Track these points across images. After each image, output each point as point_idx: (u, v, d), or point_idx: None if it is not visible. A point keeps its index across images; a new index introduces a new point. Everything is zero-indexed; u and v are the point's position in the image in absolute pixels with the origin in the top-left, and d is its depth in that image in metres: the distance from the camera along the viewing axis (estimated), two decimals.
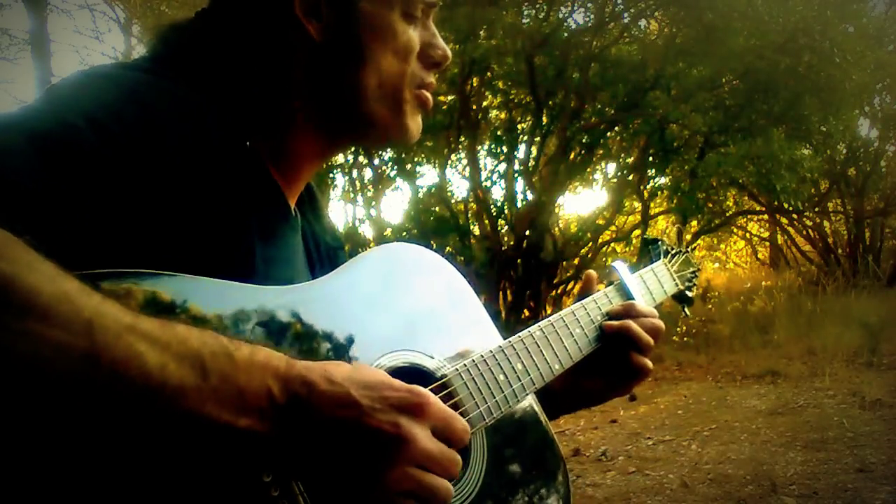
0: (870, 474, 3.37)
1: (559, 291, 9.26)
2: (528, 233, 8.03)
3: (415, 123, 0.83)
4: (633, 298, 1.08)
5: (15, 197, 0.55)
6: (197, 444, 0.56)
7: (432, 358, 0.80)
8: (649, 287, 1.17)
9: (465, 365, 0.81)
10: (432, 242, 7.38)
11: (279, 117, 0.79)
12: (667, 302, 1.24)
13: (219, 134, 0.70)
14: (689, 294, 1.30)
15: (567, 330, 0.97)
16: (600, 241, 9.22)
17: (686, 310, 1.32)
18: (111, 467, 0.55)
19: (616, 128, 8.54)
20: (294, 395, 0.58)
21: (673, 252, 1.28)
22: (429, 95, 0.83)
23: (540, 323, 0.94)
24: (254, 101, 0.77)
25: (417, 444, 0.62)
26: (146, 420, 0.53)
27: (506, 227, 8.69)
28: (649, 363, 1.01)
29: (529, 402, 0.90)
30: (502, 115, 8.89)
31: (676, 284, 1.25)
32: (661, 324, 1.03)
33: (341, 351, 0.71)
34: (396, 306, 0.80)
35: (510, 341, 0.89)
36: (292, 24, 0.76)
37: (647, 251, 1.27)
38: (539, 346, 0.92)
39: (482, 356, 0.84)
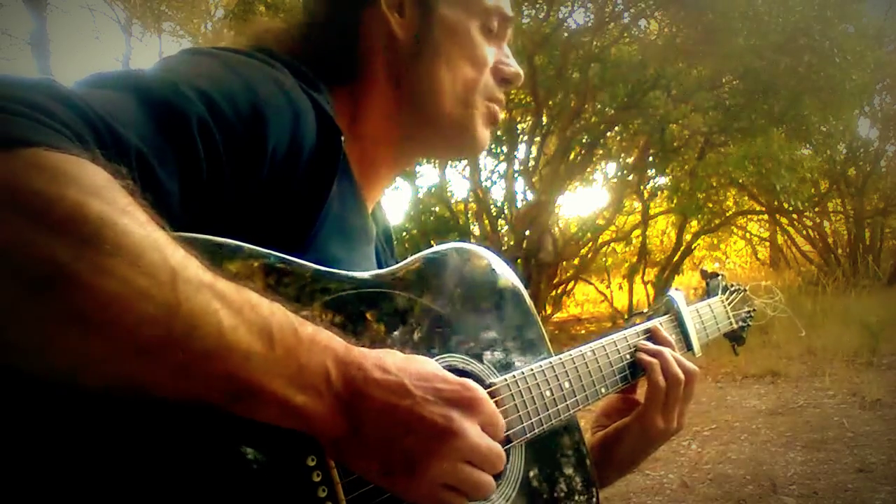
0: (870, 474, 3.37)
1: (559, 291, 9.27)
2: (528, 233, 8.03)
3: (484, 133, 0.87)
4: (687, 332, 1.08)
5: (119, 148, 0.55)
6: (251, 415, 0.56)
7: (482, 364, 0.80)
8: (704, 322, 1.15)
9: (514, 377, 0.81)
10: (432, 242, 7.38)
11: (359, 107, 0.82)
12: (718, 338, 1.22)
13: (317, 126, 0.71)
14: (744, 334, 1.28)
15: (618, 355, 0.96)
16: (600, 241, 9.22)
17: (736, 348, 1.29)
18: (156, 426, 0.55)
19: (616, 128, 8.53)
20: (349, 380, 0.59)
21: (732, 289, 1.27)
22: (499, 112, 0.88)
23: (591, 344, 0.94)
24: (338, 89, 0.81)
25: (467, 438, 0.63)
26: (208, 381, 0.53)
27: (506, 227, 8.69)
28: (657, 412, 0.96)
29: (573, 422, 0.90)
30: (502, 115, 8.87)
31: (731, 323, 1.23)
32: (686, 373, 0.98)
33: (393, 346, 0.71)
34: (453, 308, 0.79)
35: (560, 358, 0.88)
36: (377, 16, 0.81)
37: (706, 285, 1.26)
38: (588, 368, 0.91)
39: (532, 370, 0.83)
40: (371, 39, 0.82)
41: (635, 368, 0.98)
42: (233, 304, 0.53)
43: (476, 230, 8.87)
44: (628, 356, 0.98)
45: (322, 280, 0.66)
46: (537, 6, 7.89)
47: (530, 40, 7.25)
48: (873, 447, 3.70)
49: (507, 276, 0.87)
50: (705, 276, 1.29)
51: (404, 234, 8.44)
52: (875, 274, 8.87)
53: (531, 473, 0.83)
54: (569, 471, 0.88)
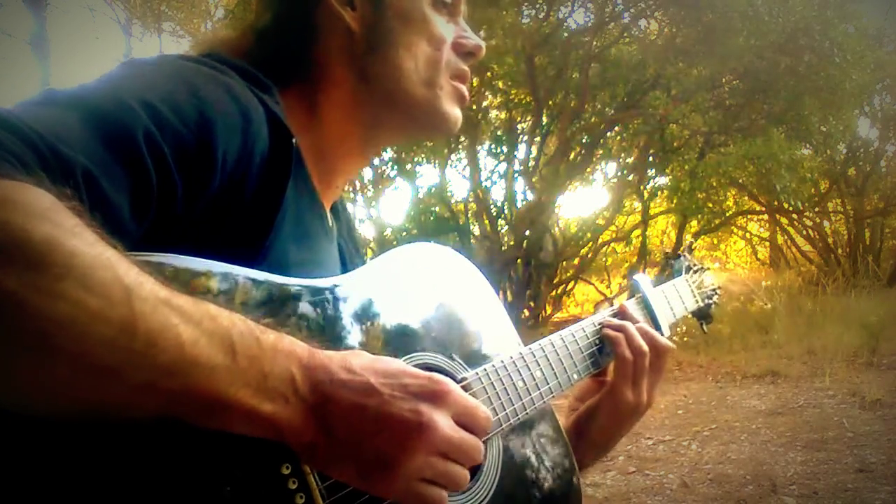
0: (870, 474, 3.37)
1: (559, 291, 9.27)
2: (528, 233, 8.03)
3: (454, 111, 0.86)
4: (654, 313, 1.09)
5: (64, 168, 0.54)
6: (219, 427, 0.55)
7: (452, 361, 0.80)
8: (670, 302, 1.16)
9: (486, 370, 0.81)
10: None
11: (318, 104, 0.82)
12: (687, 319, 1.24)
13: (268, 129, 0.70)
14: (711, 311, 1.30)
15: (588, 341, 0.97)
16: (600, 241, 9.23)
17: (704, 326, 1.31)
18: (129, 445, 0.54)
19: (616, 128, 8.54)
20: (316, 384, 0.59)
21: (695, 268, 1.28)
22: (465, 91, 0.87)
23: (561, 332, 0.94)
24: (293, 87, 0.80)
25: (438, 431, 0.62)
26: (174, 397, 0.52)
27: (506, 227, 8.70)
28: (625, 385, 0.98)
29: (548, 411, 0.90)
30: (502, 115, 8.89)
31: (697, 301, 1.25)
32: (653, 346, 0.99)
33: (362, 349, 0.70)
34: (419, 307, 0.79)
35: (531, 349, 0.89)
36: (329, 13, 0.81)
37: (668, 266, 1.28)
38: (559, 356, 0.92)
39: (502, 362, 0.83)
40: (326, 37, 0.81)
41: (604, 350, 1.00)
42: (192, 318, 0.52)
43: (476, 230, 8.88)
44: (597, 340, 0.99)
45: (280, 287, 0.65)
46: (537, 6, 7.89)
47: (530, 40, 7.25)
48: (873, 447, 3.70)
49: (471, 272, 0.88)
50: (667, 257, 1.31)
51: (404, 234, 8.45)
52: (875, 274, 8.87)
53: (510, 463, 0.83)
54: (548, 458, 0.88)
